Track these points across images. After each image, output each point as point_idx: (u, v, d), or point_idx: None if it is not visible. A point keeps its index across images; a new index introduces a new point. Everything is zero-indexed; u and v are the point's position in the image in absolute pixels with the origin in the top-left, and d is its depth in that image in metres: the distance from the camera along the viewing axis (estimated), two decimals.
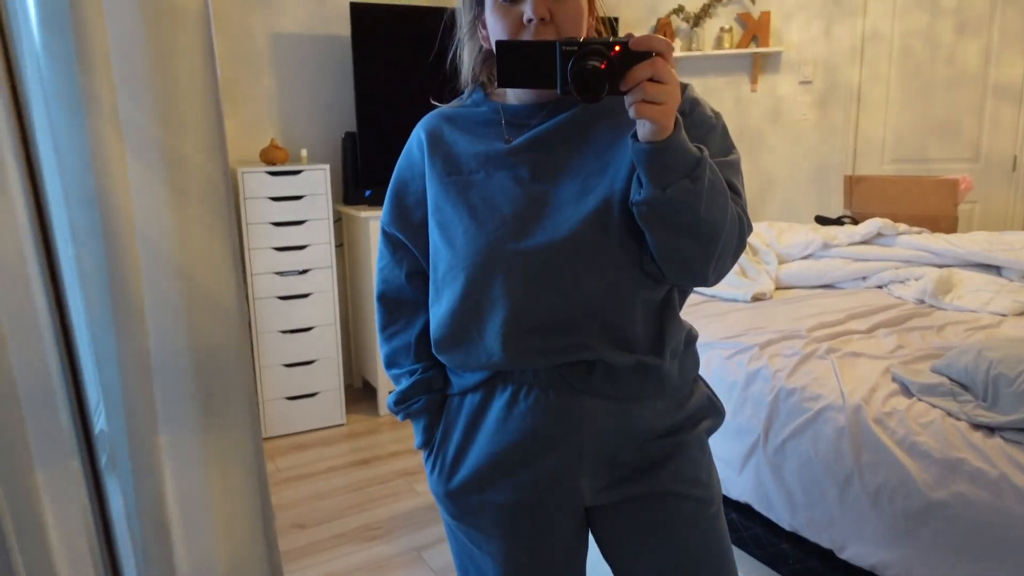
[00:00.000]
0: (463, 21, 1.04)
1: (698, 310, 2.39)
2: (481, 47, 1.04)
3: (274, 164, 2.98)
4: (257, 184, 2.87)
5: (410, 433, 3.04)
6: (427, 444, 1.09)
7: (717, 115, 1.00)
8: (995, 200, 3.84)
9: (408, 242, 1.10)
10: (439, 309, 1.02)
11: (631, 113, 0.82)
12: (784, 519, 1.76)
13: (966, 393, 1.65)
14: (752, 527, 1.86)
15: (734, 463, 1.86)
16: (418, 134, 1.08)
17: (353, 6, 3.13)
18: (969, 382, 1.65)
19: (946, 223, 3.11)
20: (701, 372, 1.21)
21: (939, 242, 2.56)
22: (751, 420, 1.85)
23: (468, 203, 0.98)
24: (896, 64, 3.86)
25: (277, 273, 2.94)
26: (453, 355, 1.02)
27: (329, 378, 3.09)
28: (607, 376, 0.98)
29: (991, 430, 1.51)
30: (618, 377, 0.98)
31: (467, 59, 1.06)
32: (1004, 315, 2.20)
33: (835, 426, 1.68)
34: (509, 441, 0.99)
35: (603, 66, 0.81)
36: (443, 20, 1.11)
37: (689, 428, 1.05)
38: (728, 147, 0.99)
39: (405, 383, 1.10)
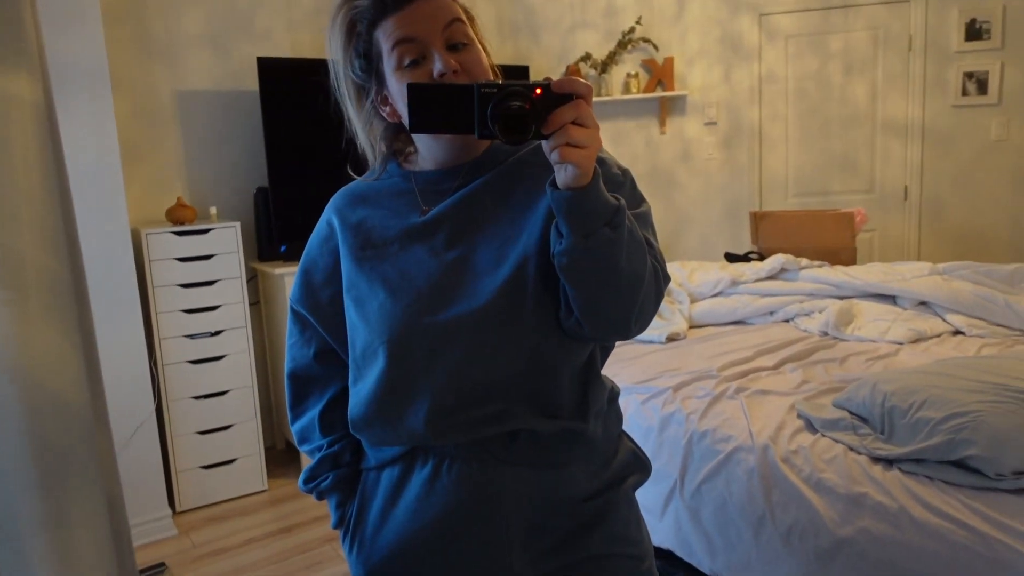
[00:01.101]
0: (354, 116, 1.01)
1: (614, 354, 2.42)
2: (387, 123, 1.01)
3: (181, 223, 2.89)
4: (163, 245, 2.77)
5: None
6: (341, 522, 1.06)
7: (624, 171, 1.00)
8: (891, 228, 4.07)
9: (316, 321, 1.07)
10: (359, 388, 0.99)
11: (553, 158, 0.80)
12: (705, 563, 1.77)
13: (865, 426, 1.71)
14: (675, 572, 1.86)
15: (654, 510, 1.87)
16: (328, 214, 1.06)
17: (260, 61, 3.09)
18: (868, 415, 1.72)
19: (846, 254, 3.26)
20: None
21: (838, 275, 2.68)
22: (668, 465, 1.87)
23: (383, 278, 0.96)
24: (792, 104, 4.08)
25: (187, 336, 2.83)
26: (372, 433, 0.99)
27: (248, 443, 2.97)
28: (531, 444, 0.96)
29: (889, 462, 1.57)
30: (543, 444, 0.96)
31: (371, 149, 1.04)
32: (901, 343, 2.31)
33: (746, 467, 1.71)
34: (432, 517, 0.96)
35: (527, 107, 0.79)
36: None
37: (616, 486, 1.04)
38: (639, 200, 0.99)
39: (313, 461, 1.08)
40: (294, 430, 1.13)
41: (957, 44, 3.84)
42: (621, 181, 0.97)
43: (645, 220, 0.96)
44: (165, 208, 3.06)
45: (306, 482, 1.09)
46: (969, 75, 3.85)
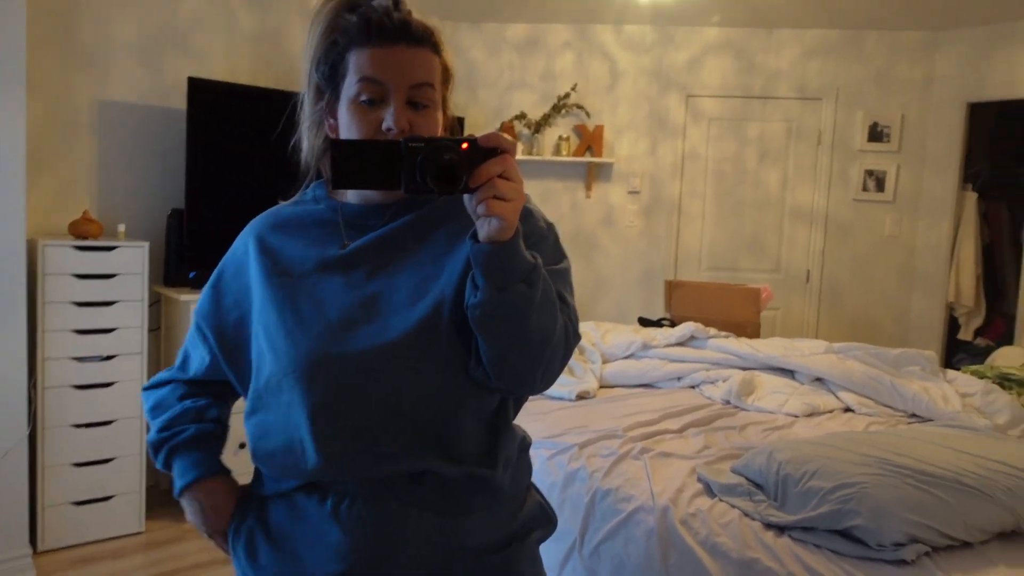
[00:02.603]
0: (308, 106, 1.00)
1: (524, 408, 2.40)
2: (326, 136, 1.00)
3: (85, 238, 2.74)
4: (61, 259, 2.61)
5: None
6: (189, 488, 1.02)
7: (550, 225, 1.01)
8: (793, 307, 4.30)
9: (215, 342, 1.03)
10: (261, 418, 0.95)
11: (479, 211, 0.81)
12: None
13: (761, 493, 1.75)
14: None
15: (552, 567, 1.85)
16: (246, 237, 1.02)
17: (192, 81, 3.02)
18: (763, 482, 1.77)
19: (751, 328, 3.41)
20: None
21: (743, 346, 2.79)
22: (569, 523, 1.86)
23: (294, 307, 0.93)
24: (711, 183, 4.30)
25: (75, 359, 2.65)
26: (273, 464, 0.95)
27: (128, 479, 2.77)
28: (436, 488, 0.93)
29: (781, 529, 1.61)
30: (448, 489, 0.94)
31: (307, 145, 1.02)
32: (796, 416, 2.41)
33: (645, 528, 1.72)
34: (329, 555, 0.91)
35: (457, 159, 0.80)
36: (289, 104, 1.05)
37: (520, 539, 1.02)
38: (560, 256, 1.00)
39: (168, 414, 1.04)
40: (147, 406, 1.08)
41: (860, 143, 4.17)
42: (545, 235, 0.99)
43: (563, 277, 0.98)
44: (69, 220, 2.90)
45: (158, 432, 1.04)
46: (870, 172, 4.18)
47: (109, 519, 2.73)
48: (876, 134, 4.16)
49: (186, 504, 1.04)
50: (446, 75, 0.98)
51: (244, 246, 1.03)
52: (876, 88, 4.15)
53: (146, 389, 1.10)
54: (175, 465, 1.03)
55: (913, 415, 2.44)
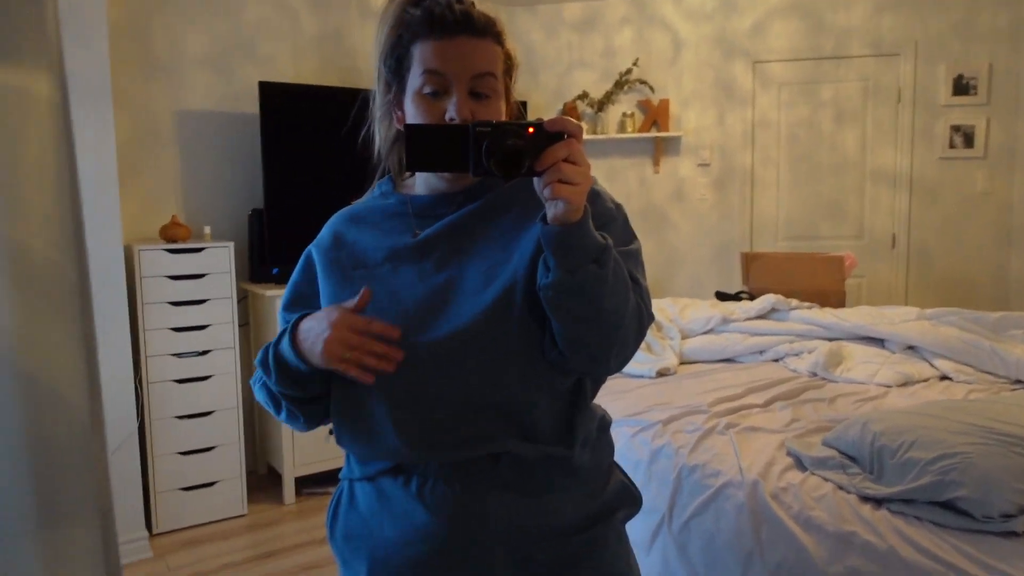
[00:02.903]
0: (379, 99, 1.03)
1: (604, 387, 2.40)
2: (395, 129, 1.03)
3: (175, 241, 2.89)
4: (155, 262, 2.76)
5: (318, 523, 2.89)
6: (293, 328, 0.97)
7: (618, 206, 1.02)
8: (879, 275, 4.12)
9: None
10: (344, 405, 0.98)
11: (545, 194, 0.82)
12: None
13: (855, 465, 1.71)
14: None
15: (642, 543, 1.85)
16: (323, 235, 1.06)
17: (262, 85, 3.13)
18: (857, 454, 1.72)
19: (835, 297, 3.30)
20: None
21: (828, 316, 2.70)
22: (656, 499, 1.85)
23: (373, 297, 0.96)
24: (784, 150, 4.16)
25: (174, 355, 2.80)
26: (357, 447, 0.99)
27: (229, 465, 2.92)
28: (514, 468, 0.95)
29: (878, 502, 1.57)
30: (526, 469, 0.95)
31: (379, 138, 1.06)
32: (889, 386, 2.33)
33: (735, 503, 1.70)
34: (416, 536, 0.94)
35: (522, 144, 0.82)
36: (357, 101, 1.09)
37: (605, 519, 1.03)
38: (629, 237, 1.00)
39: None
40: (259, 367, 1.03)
41: (945, 98, 3.94)
42: (614, 216, 0.99)
43: (634, 257, 0.98)
44: (159, 226, 3.06)
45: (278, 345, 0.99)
46: (956, 128, 3.95)
47: (214, 503, 2.90)
48: (961, 87, 3.93)
49: (301, 339, 0.95)
50: (509, 64, 0.99)
51: (319, 243, 1.06)
52: (958, 38, 3.91)
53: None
54: (278, 349, 0.98)
55: (1017, 381, 2.31)
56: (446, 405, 0.92)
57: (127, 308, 2.61)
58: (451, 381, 0.92)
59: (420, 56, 0.94)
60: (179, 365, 2.82)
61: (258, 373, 1.02)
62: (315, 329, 0.92)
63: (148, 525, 2.76)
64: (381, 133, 1.05)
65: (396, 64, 0.98)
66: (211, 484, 2.89)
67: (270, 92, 3.15)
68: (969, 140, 3.94)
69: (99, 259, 2.53)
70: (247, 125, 3.31)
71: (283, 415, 1.03)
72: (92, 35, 2.47)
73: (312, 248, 1.07)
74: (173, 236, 2.90)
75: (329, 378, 0.98)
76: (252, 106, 3.29)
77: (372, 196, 1.08)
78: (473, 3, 0.96)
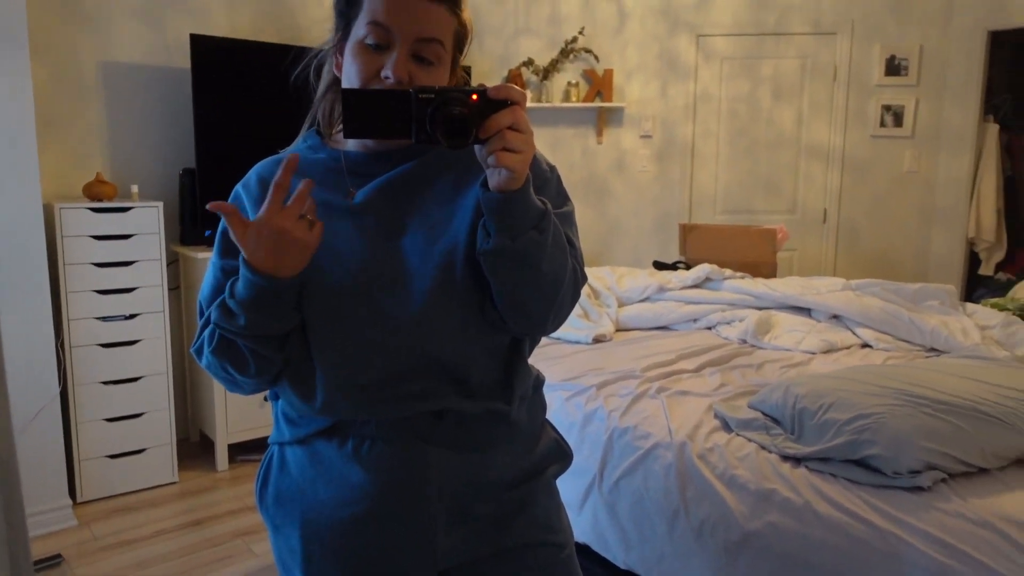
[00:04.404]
0: (331, 36, 0.99)
1: (541, 352, 2.43)
2: (333, 74, 1.00)
3: (99, 200, 2.76)
4: (78, 221, 2.63)
5: (250, 490, 2.85)
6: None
7: (552, 168, 1.02)
8: (810, 248, 4.26)
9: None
10: (285, 356, 0.96)
11: (489, 161, 0.82)
12: (619, 557, 1.80)
13: (777, 427, 1.78)
14: (591, 567, 1.88)
15: (573, 504, 1.89)
16: (250, 178, 1.01)
17: (194, 38, 2.99)
18: (779, 416, 1.79)
19: (767, 269, 3.39)
20: None
21: (759, 286, 2.78)
22: (588, 460, 1.89)
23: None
24: (724, 124, 4.23)
25: (99, 318, 2.70)
26: (297, 403, 0.96)
27: (159, 432, 2.84)
28: (456, 425, 0.95)
29: (798, 461, 1.64)
30: (467, 426, 0.96)
31: (321, 79, 1.02)
32: (814, 353, 2.42)
33: (663, 463, 1.75)
34: (351, 497, 0.94)
35: (467, 112, 0.80)
36: (289, 58, 1.04)
37: (538, 474, 1.05)
38: (563, 199, 1.01)
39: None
40: (213, 320, 0.92)
41: (877, 78, 4.07)
42: (548, 177, 1.00)
43: (568, 219, 0.99)
44: (83, 183, 2.92)
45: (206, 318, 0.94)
46: (887, 108, 4.08)
47: (143, 471, 2.82)
48: (894, 68, 4.05)
49: (260, 267, 0.87)
50: (461, 34, 0.96)
51: (244, 185, 1.01)
52: (893, 19, 4.02)
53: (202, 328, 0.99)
54: (243, 290, 0.88)
55: (932, 349, 2.43)
56: (391, 363, 0.92)
57: (47, 269, 2.48)
58: (395, 339, 0.92)
59: (369, 5, 0.91)
60: (105, 329, 2.71)
61: (203, 338, 0.94)
62: (263, 247, 0.85)
63: (72, 493, 2.67)
64: (324, 74, 1.01)
65: (346, 6, 0.94)
66: (140, 451, 2.81)
67: (203, 46, 3.01)
68: (899, 119, 4.08)
69: (16, 217, 2.40)
70: (178, 80, 3.17)
71: (242, 374, 0.93)
72: None
73: (240, 188, 1.02)
74: (98, 194, 2.77)
75: (299, 307, 0.92)
76: (184, 60, 3.15)
77: (298, 147, 1.04)
78: None
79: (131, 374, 2.77)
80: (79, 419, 2.68)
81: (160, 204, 2.81)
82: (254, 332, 0.89)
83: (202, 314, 0.96)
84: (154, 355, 2.82)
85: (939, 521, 1.39)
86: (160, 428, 2.85)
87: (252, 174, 1.02)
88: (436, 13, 0.91)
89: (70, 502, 2.59)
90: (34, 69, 2.77)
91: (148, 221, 2.77)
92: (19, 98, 2.38)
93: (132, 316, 2.76)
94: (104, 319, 2.71)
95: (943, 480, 1.50)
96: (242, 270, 0.87)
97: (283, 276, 0.87)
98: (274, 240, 0.84)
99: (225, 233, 1.01)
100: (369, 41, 0.91)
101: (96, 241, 2.67)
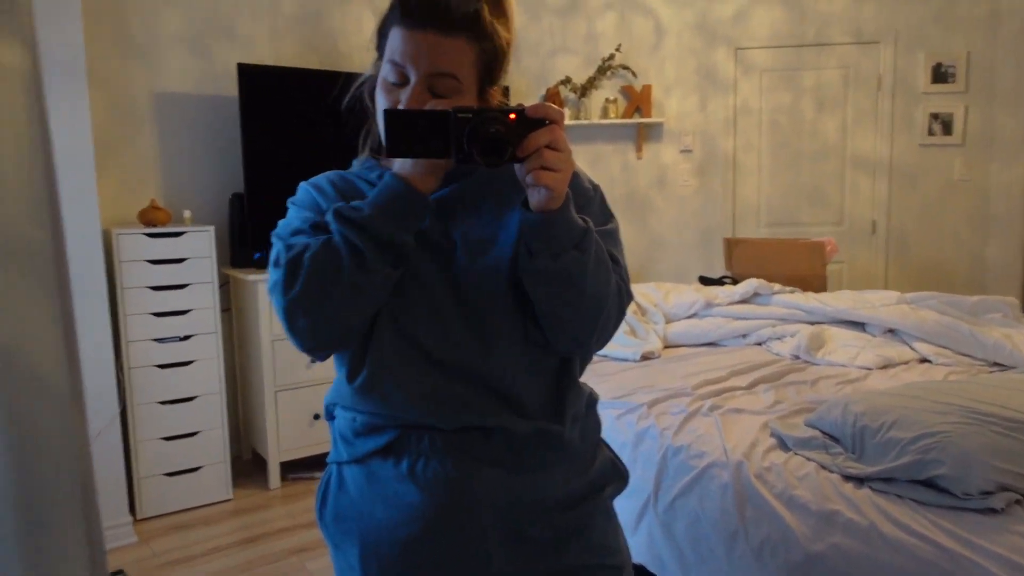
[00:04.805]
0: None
1: (590, 370, 2.42)
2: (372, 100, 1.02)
3: (154, 225, 2.85)
4: (134, 246, 2.72)
5: (304, 507, 2.88)
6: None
7: (595, 186, 1.03)
8: (859, 260, 4.18)
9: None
10: (355, 360, 0.97)
11: (528, 180, 0.83)
12: None
13: (837, 445, 1.74)
14: None
15: (628, 523, 1.87)
16: (318, 181, 1.01)
17: (241, 67, 3.08)
18: (839, 434, 1.75)
19: (816, 282, 3.33)
20: None
21: (810, 300, 2.73)
22: (642, 480, 1.87)
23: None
24: (766, 136, 4.19)
25: (156, 340, 2.77)
26: (366, 400, 0.96)
27: (214, 450, 2.90)
28: (506, 444, 0.96)
29: (860, 481, 1.60)
30: (517, 445, 0.96)
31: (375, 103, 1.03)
32: (870, 368, 2.37)
33: (720, 483, 1.72)
34: (407, 516, 0.94)
35: (504, 131, 0.81)
36: (337, 84, 1.06)
37: (594, 495, 1.04)
38: (607, 217, 1.02)
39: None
40: (303, 267, 0.88)
41: (924, 86, 3.99)
42: (591, 196, 1.01)
43: (613, 237, 0.99)
44: (138, 210, 3.01)
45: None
46: (935, 116, 4.00)
47: (199, 488, 2.88)
48: (940, 75, 3.97)
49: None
50: (490, 58, 0.94)
51: (317, 188, 1.00)
52: (938, 27, 3.95)
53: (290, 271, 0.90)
54: (354, 207, 0.88)
55: (995, 363, 2.36)
56: (448, 373, 0.94)
57: (107, 293, 2.57)
58: (452, 351, 0.93)
59: (390, 43, 0.92)
60: (161, 350, 2.79)
61: (293, 251, 0.88)
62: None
63: (132, 510, 2.74)
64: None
65: (379, 41, 0.97)
66: (195, 469, 2.87)
67: (249, 74, 3.10)
68: (947, 127, 3.99)
69: (77, 243, 2.49)
70: (226, 107, 3.26)
71: (358, 266, 0.86)
72: (65, 12, 2.42)
73: (312, 189, 1.00)
74: (152, 220, 2.85)
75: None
76: (231, 88, 3.24)
77: (353, 168, 1.06)
78: None
79: (186, 394, 2.84)
80: (138, 438, 2.75)
81: (212, 228, 2.88)
82: (376, 227, 0.87)
83: (289, 249, 0.90)
84: (208, 375, 2.88)
85: (1014, 544, 1.34)
86: (215, 446, 2.91)
87: (323, 180, 1.02)
88: (449, 47, 0.90)
89: (131, 519, 2.65)
90: (91, 99, 2.88)
91: (201, 245, 2.85)
92: (78, 127, 2.48)
93: (186, 337, 2.83)
94: (160, 341, 2.78)
95: (1017, 501, 1.44)
96: (385, 180, 0.89)
97: (420, 187, 0.88)
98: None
99: (312, 205, 0.98)
100: (391, 78, 0.93)
101: (151, 265, 2.75)
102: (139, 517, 2.76)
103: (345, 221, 0.87)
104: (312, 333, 0.89)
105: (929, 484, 1.51)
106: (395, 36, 0.91)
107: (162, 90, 3.15)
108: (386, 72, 0.93)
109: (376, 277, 0.88)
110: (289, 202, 1.01)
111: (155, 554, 2.55)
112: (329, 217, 0.88)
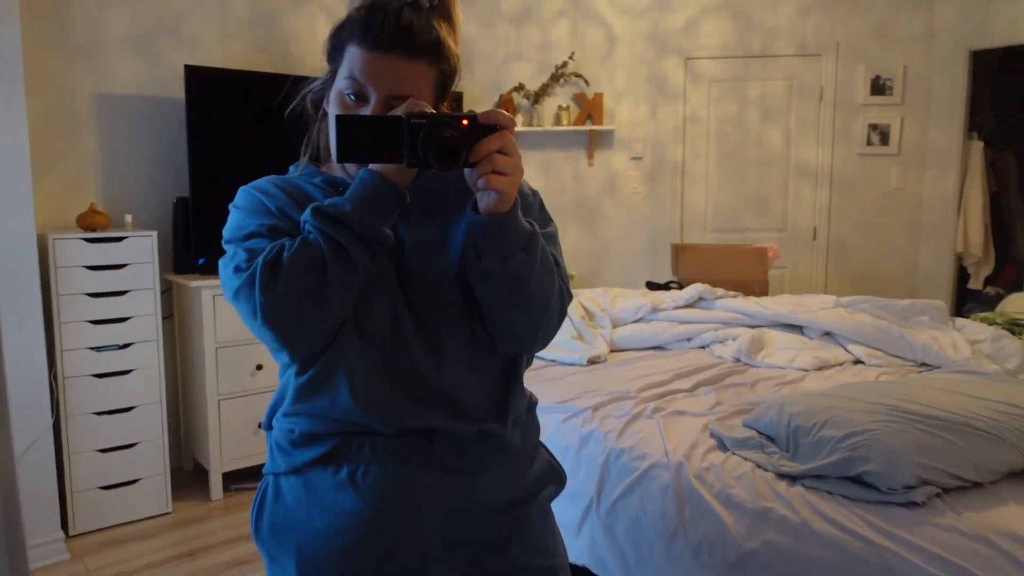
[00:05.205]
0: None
1: (537, 375, 2.44)
2: (323, 110, 1.02)
3: (93, 230, 2.77)
4: (71, 251, 2.64)
5: (246, 519, 2.82)
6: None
7: (534, 192, 1.05)
8: (800, 265, 4.29)
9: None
10: (303, 365, 0.96)
11: (479, 184, 0.84)
12: None
13: (773, 445, 1.78)
14: None
15: (571, 526, 1.89)
16: (261, 185, 1.00)
17: (188, 69, 3.03)
18: (774, 434, 1.79)
19: (759, 287, 3.42)
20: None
21: (751, 305, 2.80)
22: (585, 482, 1.89)
23: None
24: (713, 145, 4.28)
25: (92, 348, 2.69)
26: (315, 402, 0.94)
27: (153, 462, 2.82)
28: (448, 447, 0.96)
29: (793, 479, 1.64)
30: (459, 448, 0.97)
31: (320, 110, 1.03)
32: (807, 370, 2.43)
33: (660, 484, 1.75)
34: (346, 524, 0.93)
35: (458, 136, 0.83)
36: (284, 88, 1.06)
37: (532, 497, 1.05)
38: (547, 219, 1.04)
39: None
40: (284, 261, 0.87)
41: (863, 97, 4.13)
42: (531, 201, 1.03)
43: (553, 240, 1.02)
44: (76, 214, 2.93)
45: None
46: (873, 126, 4.14)
47: (136, 502, 2.80)
48: (879, 87, 4.12)
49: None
50: (445, 77, 0.97)
51: (262, 191, 0.99)
52: (877, 41, 4.09)
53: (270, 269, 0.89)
54: (329, 203, 0.89)
55: (923, 364, 2.45)
56: (397, 372, 0.94)
57: (40, 300, 2.48)
58: (402, 351, 0.94)
59: (349, 59, 0.93)
60: (98, 359, 2.71)
61: (271, 254, 0.88)
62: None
63: (64, 526, 2.64)
64: (320, 108, 1.03)
65: (331, 52, 0.97)
66: (133, 482, 2.79)
67: (197, 76, 3.05)
68: (885, 138, 4.14)
69: (10, 248, 2.40)
70: (172, 110, 3.20)
71: (341, 262, 0.87)
72: (1, 11, 2.34)
73: (258, 193, 0.99)
74: (91, 224, 2.77)
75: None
76: (178, 91, 3.18)
77: (291, 174, 1.05)
78: (419, 14, 0.92)
79: (124, 404, 2.76)
80: (72, 451, 2.66)
81: (154, 233, 2.81)
82: (358, 222, 0.87)
83: (251, 252, 0.90)
84: (148, 384, 2.81)
85: (934, 536, 1.39)
86: (154, 458, 2.83)
87: (266, 184, 1.01)
88: (413, 71, 0.92)
89: (63, 535, 2.56)
90: (29, 101, 2.79)
91: (142, 250, 2.78)
92: (14, 130, 2.40)
93: (126, 346, 2.76)
94: (97, 349, 2.70)
95: (937, 495, 1.50)
96: (360, 175, 0.89)
97: (396, 181, 0.89)
98: None
99: (263, 211, 0.97)
100: (348, 93, 0.93)
101: (89, 271, 2.68)
102: (72, 533, 2.67)
103: (326, 218, 0.87)
104: (295, 332, 0.88)
105: (857, 480, 1.56)
106: (356, 54, 0.92)
107: (105, 92, 3.07)
108: (343, 86, 0.93)
109: (358, 272, 0.89)
110: (232, 207, 1.00)
111: (88, 571, 2.46)
112: (307, 215, 0.89)
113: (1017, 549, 1.32)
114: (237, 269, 0.90)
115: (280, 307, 0.86)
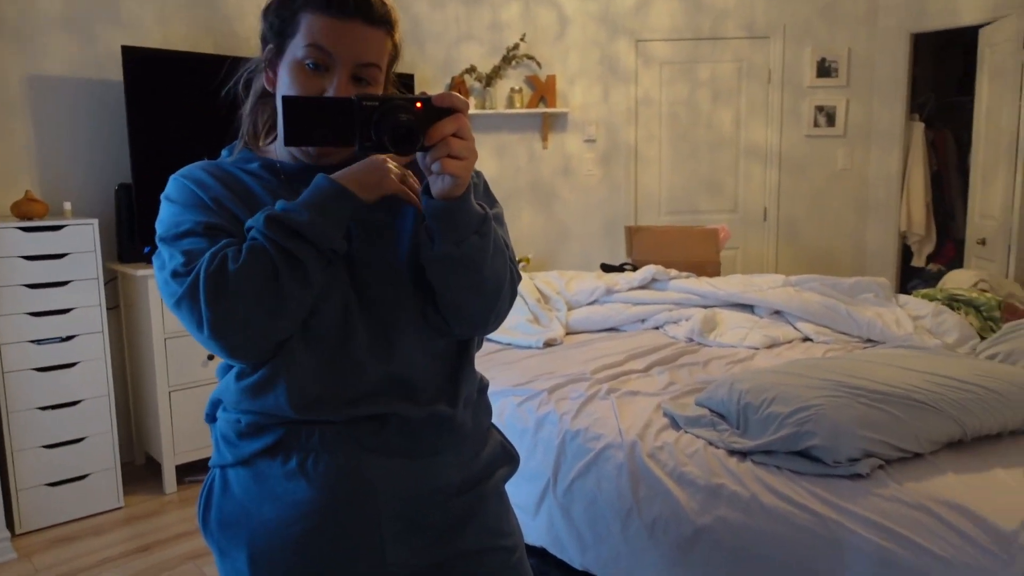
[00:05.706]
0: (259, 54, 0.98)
1: (493, 359, 2.44)
2: (263, 88, 1.00)
3: (30, 218, 2.66)
4: (7, 241, 2.53)
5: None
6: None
7: (478, 174, 1.04)
8: (752, 246, 4.38)
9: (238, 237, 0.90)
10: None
11: (434, 168, 0.83)
12: (576, 559, 1.82)
13: (724, 422, 1.82)
14: (548, 570, 1.90)
15: (528, 508, 1.90)
16: (193, 174, 0.96)
17: (126, 50, 2.91)
18: (725, 412, 1.83)
19: (711, 267, 3.47)
20: (495, 421, 1.23)
21: (703, 285, 2.85)
22: (542, 464, 1.91)
23: None
24: (665, 127, 4.32)
25: (33, 341, 2.59)
26: (261, 401, 0.92)
27: (102, 456, 2.75)
28: (399, 430, 0.95)
29: (744, 455, 1.68)
30: (411, 431, 0.96)
31: (251, 93, 1.01)
32: (757, 348, 2.49)
33: (615, 464, 1.77)
34: (298, 514, 0.92)
35: (414, 120, 0.81)
36: (225, 69, 1.03)
37: (486, 479, 1.05)
38: (493, 201, 1.04)
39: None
40: (229, 272, 0.84)
41: (810, 80, 4.21)
42: (476, 182, 1.02)
43: (500, 220, 1.02)
44: (11, 202, 2.81)
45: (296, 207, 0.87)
46: (820, 108, 4.23)
47: (86, 497, 2.72)
48: (824, 70, 4.20)
49: (350, 180, 0.90)
50: (394, 55, 0.99)
51: (197, 181, 0.95)
52: (823, 23, 4.17)
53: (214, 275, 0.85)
54: (286, 208, 0.87)
55: (868, 340, 2.53)
56: (348, 364, 0.92)
57: None
58: (352, 340, 0.92)
59: (308, 28, 0.91)
60: (40, 352, 2.61)
61: (218, 258, 0.84)
62: (365, 169, 0.91)
63: (10, 525, 2.56)
64: (254, 88, 1.01)
65: (279, 24, 0.94)
66: (82, 477, 2.71)
67: (136, 57, 2.93)
68: (831, 119, 4.23)
69: None
70: (110, 93, 3.08)
71: (295, 273, 0.85)
72: None
73: (191, 184, 0.95)
74: (27, 213, 2.66)
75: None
76: (116, 73, 3.06)
77: (223, 159, 1.01)
78: None
79: (70, 398, 2.68)
80: (15, 447, 2.57)
81: (95, 221, 2.72)
82: (315, 233, 0.85)
83: (188, 256, 0.86)
84: (94, 377, 2.72)
85: (877, 506, 1.45)
86: (103, 452, 2.75)
87: (199, 172, 0.97)
88: (375, 38, 0.93)
89: (8, 534, 2.48)
90: None
91: (83, 239, 2.68)
92: None
93: (69, 338, 2.67)
94: (38, 342, 2.61)
95: (880, 467, 1.56)
96: (317, 182, 0.89)
97: (359, 194, 0.90)
98: (372, 162, 0.91)
99: (197, 208, 0.93)
100: (309, 63, 0.92)
101: (27, 261, 2.57)
102: (18, 532, 2.59)
103: (282, 228, 0.84)
104: (244, 345, 0.86)
105: (804, 454, 1.60)
106: (315, 22, 0.91)
107: (38, 73, 2.93)
108: (302, 55, 0.91)
109: (313, 285, 0.87)
110: (164, 199, 0.96)
111: (37, 570, 2.39)
112: (258, 223, 0.85)
113: (955, 516, 1.38)
114: (175, 274, 0.86)
115: (229, 322, 0.83)
